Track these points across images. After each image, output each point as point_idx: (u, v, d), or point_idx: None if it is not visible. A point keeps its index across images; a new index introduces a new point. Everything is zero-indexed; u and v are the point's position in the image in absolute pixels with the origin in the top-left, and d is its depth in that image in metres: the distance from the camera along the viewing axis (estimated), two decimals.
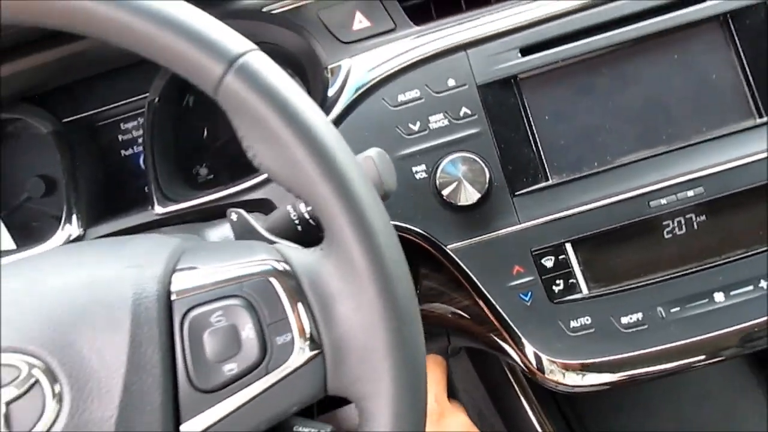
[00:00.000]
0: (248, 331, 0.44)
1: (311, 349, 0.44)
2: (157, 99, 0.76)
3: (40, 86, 0.76)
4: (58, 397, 0.43)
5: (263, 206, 0.70)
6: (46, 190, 0.84)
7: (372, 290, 0.43)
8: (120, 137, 0.84)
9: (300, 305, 0.44)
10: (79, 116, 0.80)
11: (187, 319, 0.44)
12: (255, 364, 0.44)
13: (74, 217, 0.73)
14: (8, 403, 0.42)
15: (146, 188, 0.77)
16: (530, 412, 0.88)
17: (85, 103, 0.80)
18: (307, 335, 0.44)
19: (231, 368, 0.44)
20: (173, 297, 0.45)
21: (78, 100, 0.80)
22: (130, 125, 0.84)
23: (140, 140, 0.84)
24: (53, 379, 0.43)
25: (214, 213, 0.72)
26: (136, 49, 0.44)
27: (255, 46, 0.43)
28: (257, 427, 0.45)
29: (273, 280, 0.45)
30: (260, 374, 0.44)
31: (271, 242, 0.53)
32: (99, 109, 0.80)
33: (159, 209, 0.71)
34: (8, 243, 0.83)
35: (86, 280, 0.46)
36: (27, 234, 0.85)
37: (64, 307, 0.44)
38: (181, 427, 0.44)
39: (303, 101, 0.43)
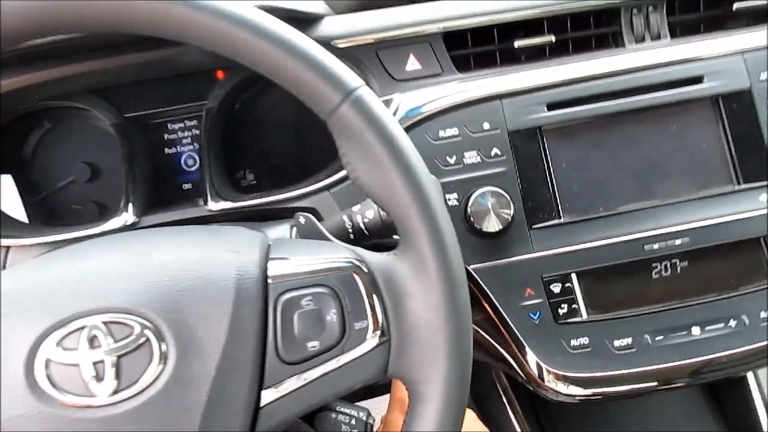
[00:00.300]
0: (332, 316, 0.52)
1: (380, 337, 0.53)
2: (216, 107, 0.84)
3: (113, 83, 0.83)
4: (164, 356, 0.50)
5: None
6: (91, 176, 0.91)
7: (439, 293, 0.52)
8: (166, 136, 0.92)
9: (375, 298, 0.53)
10: (138, 113, 0.87)
11: (280, 300, 0.52)
12: (334, 344, 0.52)
13: (131, 205, 0.80)
14: (119, 357, 0.50)
15: (184, 185, 0.85)
16: (512, 417, 0.99)
17: (145, 102, 0.88)
18: (379, 324, 0.53)
19: (314, 345, 0.52)
20: (269, 281, 0.53)
21: (139, 98, 0.87)
22: (176, 126, 0.92)
23: (183, 141, 0.92)
24: (161, 339, 0.50)
25: (260, 214, 0.80)
26: (261, 70, 0.52)
27: (363, 82, 0.53)
28: (325, 399, 0.54)
29: (355, 275, 0.53)
30: (336, 353, 0.52)
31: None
32: (156, 110, 0.88)
33: (213, 206, 0.79)
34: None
35: (192, 258, 0.54)
36: (67, 215, 0.91)
37: (175, 280, 0.52)
38: (263, 392, 0.52)
39: (400, 132, 0.52)
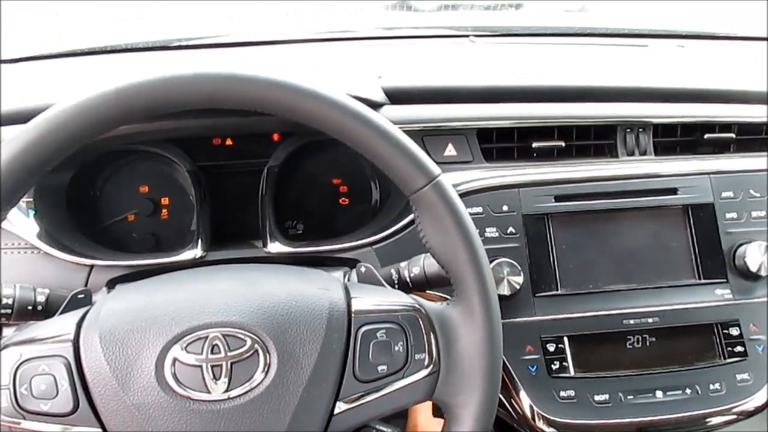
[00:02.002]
0: (399, 347, 0.67)
1: (432, 367, 0.68)
2: (277, 166, 0.99)
3: (190, 135, 0.98)
4: (268, 366, 0.63)
5: (347, 263, 0.93)
6: (153, 211, 1.04)
7: (481, 337, 0.67)
8: (228, 185, 1.06)
9: (432, 336, 0.68)
10: (209, 164, 1.01)
11: (360, 331, 0.67)
12: (398, 369, 0.66)
13: (200, 241, 0.93)
14: (233, 363, 0.63)
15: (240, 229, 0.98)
16: None
17: (214, 154, 1.02)
18: (433, 357, 0.68)
19: (383, 368, 0.66)
20: (353, 315, 0.67)
21: (209, 150, 1.02)
22: (237, 178, 1.06)
23: (242, 190, 1.05)
24: (267, 352, 0.64)
25: (308, 260, 0.94)
26: (361, 150, 0.68)
27: (441, 171, 0.69)
28: (382, 414, 0.68)
29: (418, 316, 0.68)
30: (399, 377, 0.67)
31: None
32: (223, 162, 1.02)
33: (272, 248, 0.93)
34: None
35: (294, 291, 0.68)
36: (126, 242, 1.03)
37: (280, 306, 0.66)
38: (338, 403, 0.65)
39: (467, 214, 0.68)
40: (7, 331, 0.82)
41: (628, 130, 1.01)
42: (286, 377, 0.63)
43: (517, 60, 1.27)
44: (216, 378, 0.62)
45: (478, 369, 0.67)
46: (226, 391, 0.62)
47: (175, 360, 0.62)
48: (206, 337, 0.63)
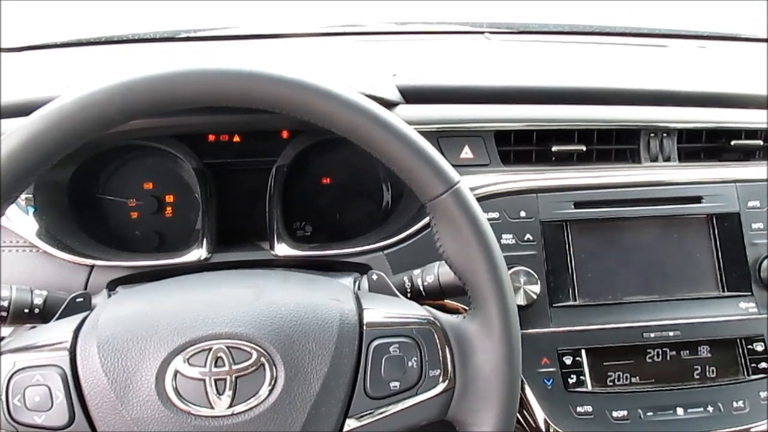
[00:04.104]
0: (413, 362, 0.63)
1: (447, 384, 0.64)
2: (286, 165, 0.95)
3: (196, 131, 0.94)
4: (274, 381, 0.60)
5: (357, 269, 0.90)
6: (157, 208, 1.00)
7: (500, 353, 0.64)
8: (234, 183, 1.02)
9: (447, 351, 0.64)
10: (216, 161, 0.98)
11: (372, 345, 0.63)
12: (411, 386, 0.63)
13: (205, 241, 0.89)
14: (237, 377, 0.60)
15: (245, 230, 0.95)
16: None
17: (221, 152, 0.98)
18: (449, 374, 0.64)
19: (395, 385, 0.63)
20: (365, 327, 0.64)
21: (216, 147, 0.98)
22: (245, 176, 1.02)
23: (249, 190, 1.02)
24: (273, 365, 0.60)
25: (317, 264, 0.90)
26: (377, 154, 0.65)
27: (460, 177, 0.65)
28: None
29: (433, 330, 0.65)
30: (412, 394, 0.63)
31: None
32: (230, 159, 0.99)
33: (279, 251, 0.89)
34: None
35: (303, 301, 0.65)
36: (130, 240, 1.00)
37: (289, 317, 0.63)
38: (347, 420, 0.62)
39: (486, 223, 0.65)
40: (5, 330, 0.79)
41: (652, 134, 0.97)
42: (294, 393, 0.60)
43: (533, 58, 1.23)
44: (219, 392, 0.59)
45: (495, 387, 0.64)
46: (230, 406, 0.59)
47: (176, 372, 0.59)
48: (210, 349, 0.60)
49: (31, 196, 0.86)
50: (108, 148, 0.95)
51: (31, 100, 0.83)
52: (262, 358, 0.60)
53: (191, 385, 0.59)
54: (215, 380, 0.59)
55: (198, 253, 0.88)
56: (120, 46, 1.25)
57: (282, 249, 0.90)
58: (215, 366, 0.59)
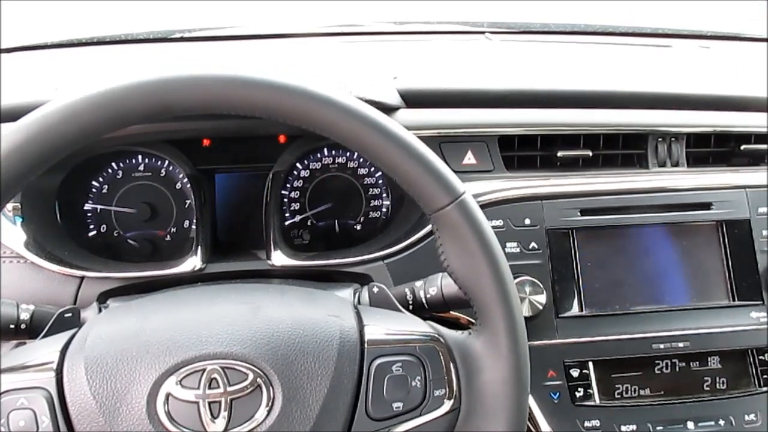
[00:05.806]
0: (416, 382, 0.60)
1: (453, 404, 0.61)
2: (283, 171, 0.92)
3: (190, 137, 0.91)
4: (271, 402, 0.57)
5: (357, 279, 0.87)
6: (150, 216, 0.97)
7: (508, 372, 0.61)
8: (227, 190, 0.99)
9: (453, 370, 0.62)
10: (210, 167, 0.95)
11: (374, 364, 0.60)
12: (415, 407, 0.60)
13: (200, 250, 0.86)
14: (232, 399, 0.57)
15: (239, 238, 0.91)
16: None
17: (215, 157, 0.95)
18: (454, 393, 0.61)
19: (398, 406, 0.60)
20: (366, 345, 0.61)
21: (209, 153, 0.95)
22: (239, 182, 0.99)
23: (245, 196, 0.99)
24: (270, 386, 0.57)
25: (315, 273, 0.87)
26: (379, 164, 0.62)
27: (466, 188, 0.62)
28: None
29: (437, 347, 0.62)
30: (415, 415, 0.60)
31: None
32: (226, 165, 0.96)
33: (276, 261, 0.86)
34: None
35: (301, 318, 0.62)
36: (123, 249, 0.97)
37: (286, 335, 0.60)
38: None
39: (493, 235, 0.62)
40: None
41: (659, 139, 0.95)
42: (292, 415, 0.57)
43: (535, 59, 1.20)
44: (214, 416, 0.56)
45: (502, 407, 0.61)
46: (225, 430, 0.56)
47: (168, 395, 0.56)
48: (203, 370, 0.57)
49: (18, 205, 0.83)
50: (99, 153, 0.92)
51: (21, 105, 0.80)
52: (259, 379, 0.57)
53: (184, 408, 0.56)
54: (209, 403, 0.56)
55: (192, 263, 0.85)
56: (114, 47, 1.22)
57: (279, 258, 0.87)
58: (209, 388, 0.56)
